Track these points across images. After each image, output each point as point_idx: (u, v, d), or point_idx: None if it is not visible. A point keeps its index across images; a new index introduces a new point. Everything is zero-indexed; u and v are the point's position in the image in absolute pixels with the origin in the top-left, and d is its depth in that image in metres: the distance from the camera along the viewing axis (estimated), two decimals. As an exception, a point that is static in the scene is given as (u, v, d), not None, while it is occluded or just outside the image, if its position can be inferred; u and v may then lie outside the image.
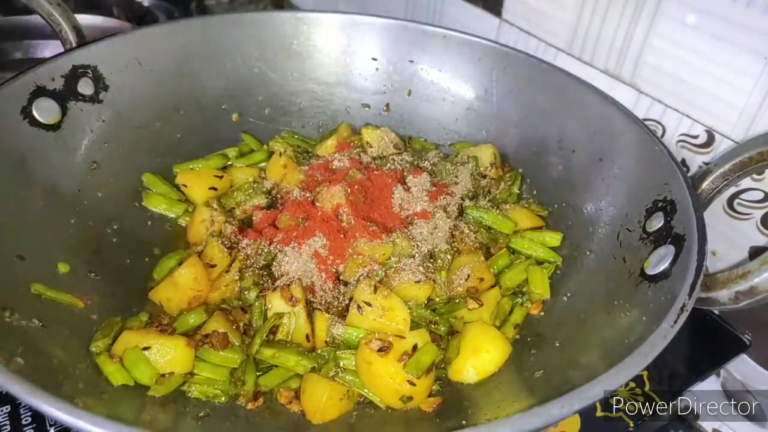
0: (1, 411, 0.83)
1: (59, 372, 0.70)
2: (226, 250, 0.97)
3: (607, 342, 0.75)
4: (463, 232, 1.01)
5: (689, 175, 0.84)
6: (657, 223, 0.82)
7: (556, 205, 1.07)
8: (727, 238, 1.06)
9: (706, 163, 1.06)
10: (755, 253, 1.04)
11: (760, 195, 1.00)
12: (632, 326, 0.73)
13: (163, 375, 0.78)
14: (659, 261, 0.77)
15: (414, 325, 0.86)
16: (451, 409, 0.79)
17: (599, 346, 0.76)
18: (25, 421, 0.83)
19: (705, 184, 0.85)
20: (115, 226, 0.98)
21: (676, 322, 0.65)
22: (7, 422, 0.82)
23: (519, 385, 0.81)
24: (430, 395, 0.81)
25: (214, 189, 1.09)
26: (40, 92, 0.93)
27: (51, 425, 0.82)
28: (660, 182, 0.85)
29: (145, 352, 0.78)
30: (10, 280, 0.77)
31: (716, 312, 1.05)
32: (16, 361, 0.63)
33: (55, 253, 0.86)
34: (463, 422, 0.75)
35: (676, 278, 0.72)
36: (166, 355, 0.78)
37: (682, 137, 1.08)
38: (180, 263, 0.92)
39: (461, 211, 1.05)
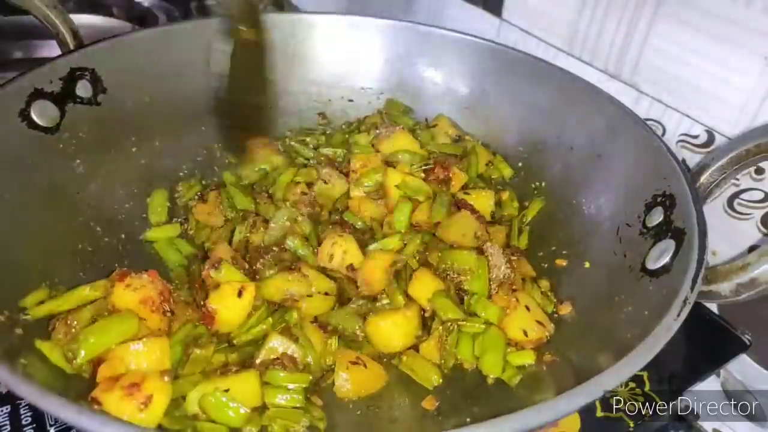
0: (1, 411, 0.83)
1: (62, 372, 0.71)
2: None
3: (608, 338, 0.75)
4: None
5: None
6: (657, 217, 0.82)
7: (556, 203, 1.07)
8: (728, 238, 1.06)
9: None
10: (755, 252, 1.04)
11: (760, 195, 1.00)
12: (634, 321, 0.73)
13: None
14: (660, 255, 0.77)
15: None
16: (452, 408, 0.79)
17: (601, 342, 0.76)
18: (25, 421, 0.82)
19: (703, 178, 0.86)
20: (115, 230, 0.97)
21: (679, 315, 0.66)
22: (7, 422, 0.82)
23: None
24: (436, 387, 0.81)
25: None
26: (38, 95, 0.92)
27: (51, 425, 0.82)
28: (659, 177, 0.85)
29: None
30: (10, 282, 0.77)
31: (716, 311, 1.05)
32: (20, 362, 0.63)
33: (54, 256, 0.86)
34: (468, 420, 0.75)
35: (677, 272, 0.72)
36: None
37: (682, 137, 1.08)
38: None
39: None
